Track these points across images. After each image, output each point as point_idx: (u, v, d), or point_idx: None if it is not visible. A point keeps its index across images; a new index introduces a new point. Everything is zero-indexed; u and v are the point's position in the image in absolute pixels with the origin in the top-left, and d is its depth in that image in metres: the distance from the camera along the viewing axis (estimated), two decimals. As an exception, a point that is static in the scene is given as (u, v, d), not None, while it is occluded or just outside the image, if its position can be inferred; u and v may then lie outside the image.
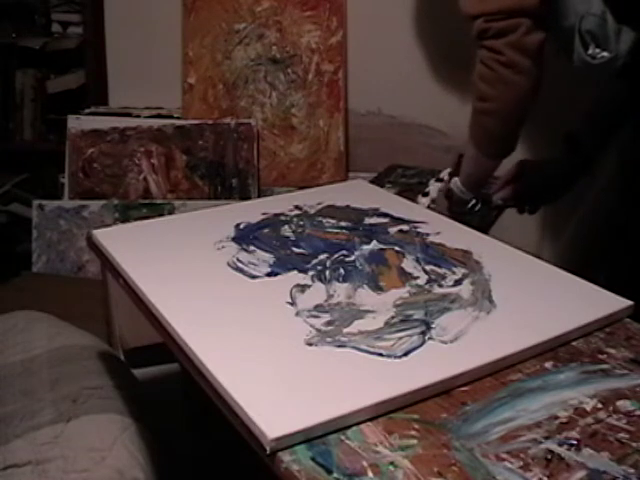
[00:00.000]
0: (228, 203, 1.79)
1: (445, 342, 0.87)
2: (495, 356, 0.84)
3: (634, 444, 0.72)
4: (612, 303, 0.96)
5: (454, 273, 1.04)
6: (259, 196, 2.32)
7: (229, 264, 1.07)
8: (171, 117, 2.38)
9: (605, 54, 1.21)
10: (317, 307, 0.94)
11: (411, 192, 1.67)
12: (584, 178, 1.49)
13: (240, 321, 0.92)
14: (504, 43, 1.21)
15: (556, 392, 0.80)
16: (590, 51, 1.22)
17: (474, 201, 1.45)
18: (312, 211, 1.27)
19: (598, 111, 1.47)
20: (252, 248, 1.12)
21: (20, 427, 1.11)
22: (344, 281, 1.02)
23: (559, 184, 1.49)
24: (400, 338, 0.87)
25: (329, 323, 0.90)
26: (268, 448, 0.70)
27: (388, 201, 1.34)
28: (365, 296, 0.98)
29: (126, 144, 2.34)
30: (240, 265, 1.06)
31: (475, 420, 0.75)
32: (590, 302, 0.96)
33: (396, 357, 0.83)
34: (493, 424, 0.74)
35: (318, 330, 0.89)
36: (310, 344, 0.86)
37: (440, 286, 1.01)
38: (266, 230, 1.19)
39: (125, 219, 2.24)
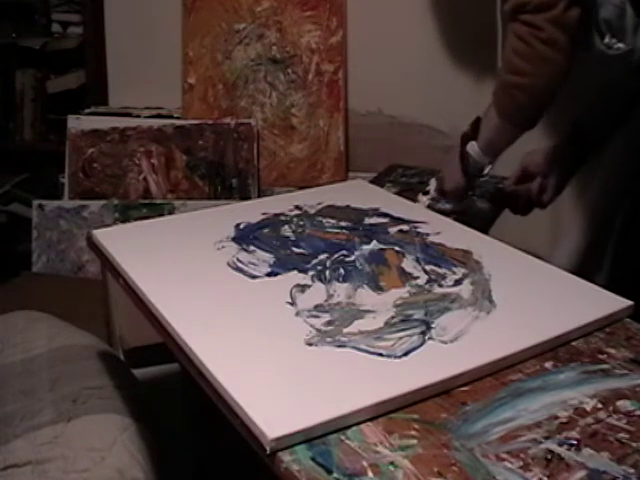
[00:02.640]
0: (228, 203, 1.79)
1: (445, 342, 0.87)
2: (495, 356, 0.84)
3: (634, 444, 0.72)
4: (612, 303, 0.96)
5: (454, 273, 1.04)
6: (259, 196, 2.32)
7: (229, 264, 1.07)
8: (171, 117, 2.38)
9: (621, 45, 1.19)
10: (317, 307, 0.94)
11: (411, 192, 1.66)
12: (587, 166, 1.47)
13: (240, 321, 0.92)
14: (544, 19, 1.17)
15: (556, 392, 0.80)
16: (606, 40, 1.19)
17: (490, 167, 1.41)
18: (312, 211, 1.27)
19: (607, 101, 1.45)
20: (252, 248, 1.12)
21: (20, 427, 1.11)
22: (344, 281, 1.01)
23: (562, 174, 1.47)
24: (400, 338, 0.87)
25: (329, 323, 0.90)
26: (268, 448, 0.70)
27: (388, 201, 1.34)
28: (365, 296, 0.98)
29: (126, 144, 2.34)
30: (240, 265, 1.06)
31: (475, 420, 0.75)
32: (590, 302, 0.96)
33: (396, 357, 0.83)
34: (493, 424, 0.74)
35: (318, 330, 0.89)
36: (310, 344, 0.86)
37: (440, 286, 1.00)
38: (266, 230, 1.19)
39: (125, 219, 2.24)
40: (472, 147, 1.39)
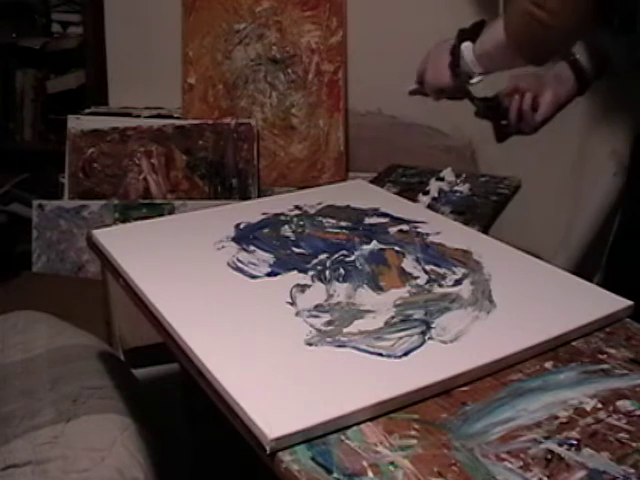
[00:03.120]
0: (228, 203, 1.79)
1: (445, 342, 0.87)
2: (495, 356, 0.84)
3: (634, 444, 0.72)
4: (612, 303, 0.96)
5: (454, 273, 1.04)
6: (259, 196, 2.32)
7: (229, 264, 1.07)
8: (171, 117, 2.38)
9: (628, 33, 1.13)
10: (317, 307, 0.94)
11: (411, 192, 1.67)
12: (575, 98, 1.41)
13: (240, 321, 0.91)
14: None
15: (556, 392, 0.80)
16: (615, 22, 1.13)
17: (480, 78, 1.29)
18: (312, 211, 1.27)
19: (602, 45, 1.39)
20: (252, 248, 1.12)
21: (20, 427, 1.11)
22: (344, 281, 1.01)
23: (555, 97, 1.39)
24: (400, 338, 0.87)
25: (329, 323, 0.90)
26: (268, 448, 0.70)
27: (388, 201, 1.34)
28: (365, 296, 0.98)
29: (126, 144, 2.34)
30: (240, 265, 1.06)
31: (475, 420, 0.75)
32: (590, 302, 0.96)
33: (396, 357, 0.83)
34: (493, 424, 0.74)
35: (318, 330, 0.89)
36: (310, 344, 0.86)
37: (440, 286, 1.00)
38: (266, 230, 1.19)
39: (125, 219, 2.24)
40: (467, 48, 1.28)
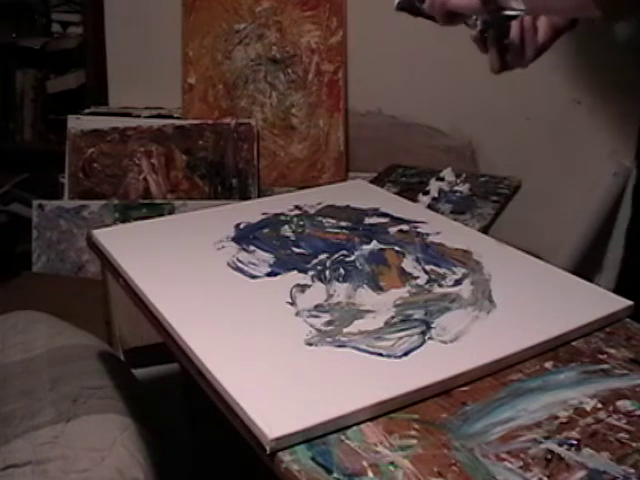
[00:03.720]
0: (228, 203, 1.79)
1: (445, 342, 0.87)
2: (495, 356, 0.84)
3: (634, 444, 0.72)
4: (612, 303, 0.96)
5: (454, 273, 1.04)
6: (259, 196, 2.32)
7: (229, 264, 1.07)
8: (171, 117, 2.38)
9: None
10: (317, 307, 0.94)
11: (411, 192, 1.67)
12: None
13: (240, 321, 0.91)
14: None
15: (556, 392, 0.80)
16: None
17: (515, 13, 0.98)
18: (312, 211, 1.27)
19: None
20: (252, 248, 1.12)
21: (20, 427, 1.11)
22: (344, 281, 1.01)
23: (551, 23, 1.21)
24: (400, 338, 0.87)
25: (329, 323, 0.90)
26: (268, 448, 0.70)
27: (388, 201, 1.34)
28: (365, 296, 0.98)
29: (126, 144, 2.35)
30: (240, 265, 1.06)
31: (475, 420, 0.75)
32: (590, 302, 0.96)
33: (396, 357, 0.83)
34: (493, 424, 0.74)
35: (318, 330, 0.89)
36: (310, 344, 0.86)
37: (440, 286, 1.00)
38: (266, 230, 1.19)
39: (125, 219, 2.24)
40: None
